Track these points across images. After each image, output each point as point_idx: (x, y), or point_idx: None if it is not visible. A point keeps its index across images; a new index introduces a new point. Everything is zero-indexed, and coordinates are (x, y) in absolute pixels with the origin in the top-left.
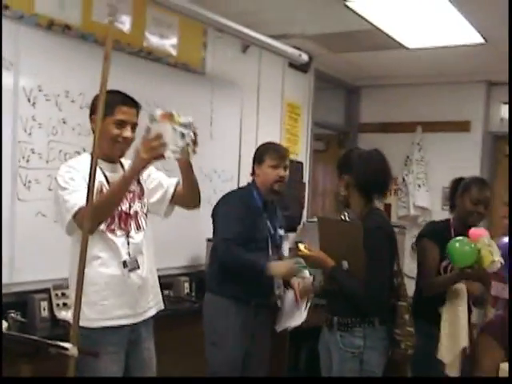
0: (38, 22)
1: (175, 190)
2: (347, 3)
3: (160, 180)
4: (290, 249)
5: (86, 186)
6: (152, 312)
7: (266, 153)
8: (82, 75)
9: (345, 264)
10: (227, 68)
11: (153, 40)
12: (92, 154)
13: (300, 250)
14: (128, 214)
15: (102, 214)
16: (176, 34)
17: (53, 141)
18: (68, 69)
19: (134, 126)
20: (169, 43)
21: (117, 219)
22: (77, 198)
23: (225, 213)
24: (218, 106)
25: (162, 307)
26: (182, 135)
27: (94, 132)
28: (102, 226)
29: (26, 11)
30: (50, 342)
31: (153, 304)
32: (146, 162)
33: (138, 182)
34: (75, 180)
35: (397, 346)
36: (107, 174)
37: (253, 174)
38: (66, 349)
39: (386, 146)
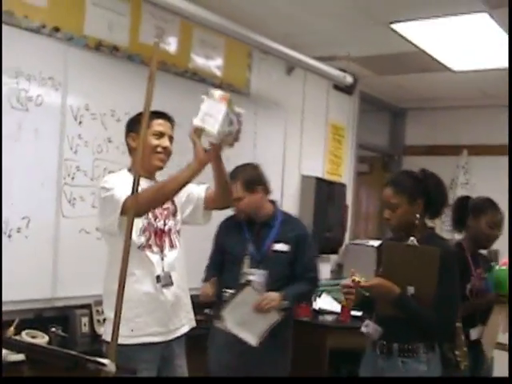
0: (86, 43)
1: (206, 195)
2: (392, 25)
3: (190, 190)
4: (331, 271)
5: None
6: (185, 329)
7: (258, 180)
8: (128, 95)
9: (411, 290)
10: (272, 89)
11: (198, 61)
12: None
13: (359, 282)
14: (163, 231)
15: (159, 198)
16: (221, 55)
17: (98, 159)
18: (114, 89)
19: (170, 139)
20: (214, 64)
21: (153, 235)
22: (122, 192)
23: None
24: (262, 127)
25: (195, 325)
26: (231, 122)
27: (129, 147)
28: (141, 242)
29: (76, 33)
30: (88, 357)
31: (185, 321)
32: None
33: (172, 200)
34: (118, 184)
35: (457, 367)
36: (144, 187)
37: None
38: (104, 365)
39: (431, 168)
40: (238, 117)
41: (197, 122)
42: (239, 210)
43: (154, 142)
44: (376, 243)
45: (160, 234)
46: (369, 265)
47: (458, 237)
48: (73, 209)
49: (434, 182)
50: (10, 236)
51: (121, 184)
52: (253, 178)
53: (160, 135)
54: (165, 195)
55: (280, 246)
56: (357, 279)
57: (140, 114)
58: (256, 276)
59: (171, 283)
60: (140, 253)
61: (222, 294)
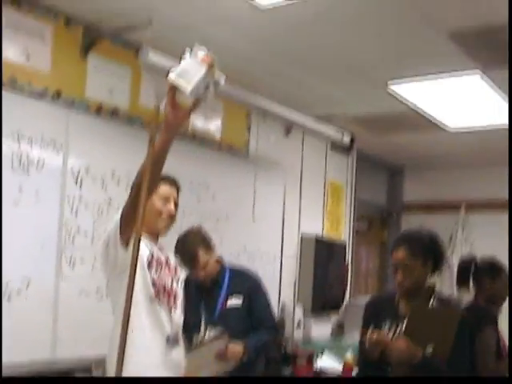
0: (88, 107)
1: None
2: (389, 86)
3: None
4: (332, 330)
5: None
6: None
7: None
8: (129, 157)
9: (429, 348)
10: (270, 150)
11: (197, 123)
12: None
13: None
14: (171, 289)
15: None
16: (220, 117)
17: (98, 221)
18: (115, 151)
19: (176, 204)
20: (213, 126)
21: (162, 290)
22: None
23: None
24: (261, 187)
25: None
26: (207, 87)
27: None
28: (151, 293)
29: (77, 97)
30: None
31: None
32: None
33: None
34: None
35: None
36: (151, 246)
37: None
38: None
39: (429, 225)
40: (215, 84)
41: (171, 76)
42: (206, 276)
43: (160, 206)
44: None
45: (170, 291)
46: None
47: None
48: (73, 270)
49: (439, 242)
50: (9, 298)
51: None
52: (208, 237)
53: (166, 199)
54: (142, 174)
55: (233, 302)
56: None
57: None
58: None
59: (178, 343)
60: (151, 305)
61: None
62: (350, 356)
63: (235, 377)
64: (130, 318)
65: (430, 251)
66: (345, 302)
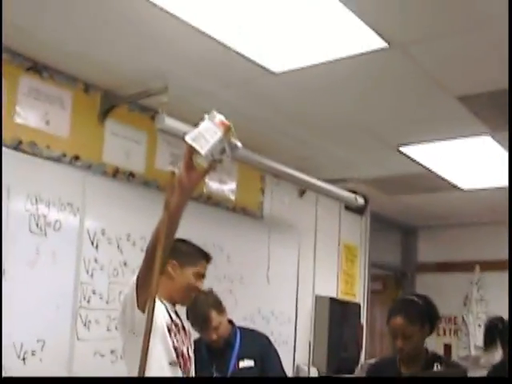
0: (104, 171)
1: None
2: (400, 148)
3: None
4: None
5: None
6: None
7: None
8: (144, 220)
9: None
10: (284, 212)
11: (212, 185)
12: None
13: None
14: (188, 354)
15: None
16: (235, 180)
17: (113, 282)
18: (131, 213)
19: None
20: (228, 188)
21: (180, 356)
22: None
23: None
24: (275, 249)
25: None
26: (223, 151)
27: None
28: (173, 358)
29: (95, 161)
30: None
31: None
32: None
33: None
34: None
35: None
36: (170, 311)
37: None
38: None
39: (444, 285)
40: (233, 149)
41: (188, 138)
42: (218, 338)
43: (194, 282)
44: None
45: (187, 359)
46: None
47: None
48: (88, 332)
49: (433, 304)
50: (24, 359)
51: None
52: (218, 298)
53: (201, 277)
54: (157, 235)
55: (245, 363)
56: None
57: (183, 242)
58: None
59: None
60: (172, 369)
61: None
62: None
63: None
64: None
65: (426, 315)
66: (360, 363)
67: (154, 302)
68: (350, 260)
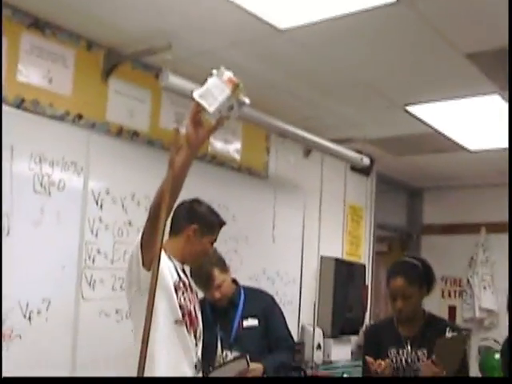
0: (108, 129)
1: None
2: (407, 108)
3: None
4: (351, 352)
5: None
6: None
7: None
8: (148, 179)
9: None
10: (290, 172)
11: (217, 145)
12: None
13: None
14: (195, 313)
15: (157, 201)
16: (239, 140)
17: (118, 242)
18: (135, 173)
19: None
20: (233, 148)
21: (187, 314)
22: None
23: None
24: (281, 209)
25: None
26: (231, 108)
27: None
28: (179, 317)
29: (98, 120)
30: None
31: None
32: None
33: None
34: None
35: None
36: (178, 269)
37: None
38: None
39: (449, 247)
40: (240, 106)
41: (196, 94)
42: (222, 296)
43: (209, 248)
44: None
45: (194, 318)
46: None
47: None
48: (93, 291)
49: (431, 267)
50: (30, 318)
51: None
52: (221, 257)
53: (213, 243)
54: (162, 194)
55: (250, 323)
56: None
57: (208, 209)
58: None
59: (201, 368)
60: (177, 328)
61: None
62: None
63: (236, 377)
64: (158, 341)
65: (424, 277)
66: (365, 324)
67: (159, 260)
68: (356, 221)
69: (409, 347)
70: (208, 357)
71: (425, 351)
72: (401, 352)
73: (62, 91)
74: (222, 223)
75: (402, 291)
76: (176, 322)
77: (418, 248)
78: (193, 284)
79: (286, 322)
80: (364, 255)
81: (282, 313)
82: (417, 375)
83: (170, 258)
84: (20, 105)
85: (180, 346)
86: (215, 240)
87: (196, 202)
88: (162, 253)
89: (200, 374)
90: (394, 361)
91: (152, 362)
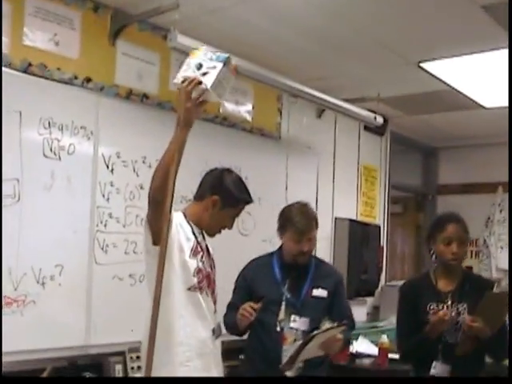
0: (117, 93)
1: None
2: (421, 65)
3: None
4: (367, 314)
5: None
6: None
7: (287, 224)
8: (159, 141)
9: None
10: (302, 133)
11: (228, 106)
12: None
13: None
14: (214, 281)
15: (160, 174)
16: (251, 101)
17: (130, 206)
18: (145, 135)
19: None
20: (244, 109)
21: (205, 280)
22: None
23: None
24: (294, 170)
25: None
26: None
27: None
28: (193, 283)
29: (107, 83)
30: None
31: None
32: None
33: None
34: None
35: None
36: (196, 233)
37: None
38: None
39: (466, 207)
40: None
41: (210, 86)
42: (308, 252)
43: (229, 223)
44: None
45: (213, 280)
46: None
47: None
48: (105, 256)
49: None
50: (43, 284)
51: None
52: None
53: (235, 218)
54: (164, 166)
55: (319, 292)
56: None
57: (234, 181)
58: (298, 323)
59: (221, 333)
60: (191, 294)
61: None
62: (385, 340)
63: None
64: (172, 308)
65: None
66: (380, 286)
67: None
68: (370, 182)
69: (449, 302)
70: (269, 313)
71: (465, 305)
72: (440, 307)
73: (70, 54)
74: (247, 201)
75: (459, 235)
76: (189, 288)
77: (434, 208)
78: (211, 247)
79: (348, 303)
80: (379, 216)
81: (345, 294)
82: (458, 330)
83: (188, 222)
84: (27, 69)
85: (195, 312)
86: (237, 215)
87: (226, 172)
88: (181, 216)
89: (218, 340)
90: None
91: (167, 328)
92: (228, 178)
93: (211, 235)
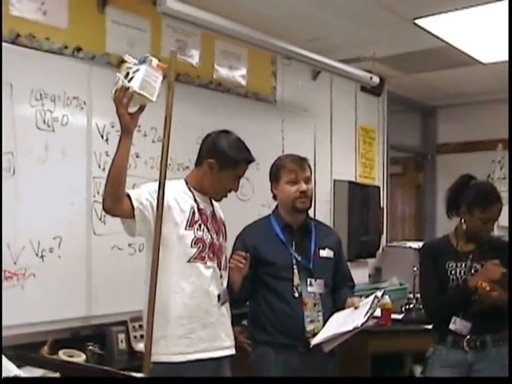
0: (109, 61)
1: None
2: (416, 21)
3: None
4: (369, 275)
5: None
6: (231, 351)
7: (280, 168)
8: (153, 110)
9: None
10: (298, 95)
11: (222, 71)
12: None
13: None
14: (220, 247)
15: (111, 185)
16: (245, 64)
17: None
18: None
19: None
20: (238, 74)
21: (207, 248)
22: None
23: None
24: (290, 133)
25: (234, 352)
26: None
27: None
28: (192, 254)
29: (98, 51)
30: (123, 372)
31: (230, 344)
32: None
33: (223, 223)
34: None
35: None
36: (198, 199)
37: (274, 197)
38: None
39: (466, 165)
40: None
41: (136, 88)
42: (309, 196)
43: (232, 184)
44: (414, 245)
45: (218, 249)
46: (407, 267)
47: None
48: (104, 226)
49: None
50: (42, 256)
51: (149, 188)
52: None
53: (239, 178)
54: (113, 178)
55: (326, 253)
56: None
57: (228, 141)
58: (314, 287)
59: (227, 299)
60: (191, 265)
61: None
62: (388, 300)
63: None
64: (168, 284)
65: None
66: (381, 247)
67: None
68: (368, 143)
69: (469, 261)
70: (282, 280)
71: (484, 263)
72: (459, 265)
73: (58, 24)
74: (247, 160)
75: (498, 216)
76: (189, 260)
77: (434, 168)
78: (218, 212)
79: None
80: (378, 177)
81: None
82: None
83: (190, 189)
84: (15, 40)
85: (198, 283)
86: (240, 176)
87: (222, 134)
88: (182, 185)
89: (224, 306)
90: (454, 273)
91: (163, 304)
92: (223, 140)
93: (217, 200)
